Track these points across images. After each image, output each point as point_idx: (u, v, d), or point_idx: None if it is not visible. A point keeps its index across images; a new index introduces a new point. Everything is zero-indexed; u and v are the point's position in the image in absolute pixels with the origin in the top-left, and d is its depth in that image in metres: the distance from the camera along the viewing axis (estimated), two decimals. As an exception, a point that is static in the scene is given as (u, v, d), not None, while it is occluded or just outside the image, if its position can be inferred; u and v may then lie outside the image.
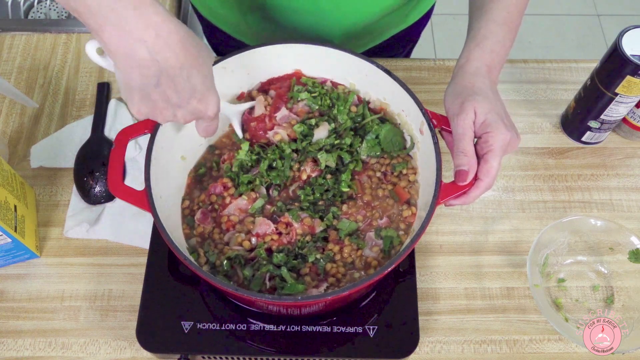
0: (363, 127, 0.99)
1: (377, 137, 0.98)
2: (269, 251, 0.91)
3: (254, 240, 0.91)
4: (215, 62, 0.94)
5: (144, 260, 0.99)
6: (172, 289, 0.96)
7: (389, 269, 0.79)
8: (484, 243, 1.06)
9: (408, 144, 0.98)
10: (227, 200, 0.94)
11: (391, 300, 0.96)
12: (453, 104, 0.88)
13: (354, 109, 1.00)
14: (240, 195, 0.95)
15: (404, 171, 0.96)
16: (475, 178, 0.84)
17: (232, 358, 0.92)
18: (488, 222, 1.08)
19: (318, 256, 0.90)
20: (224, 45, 1.38)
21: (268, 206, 0.94)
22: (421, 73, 1.25)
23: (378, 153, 0.98)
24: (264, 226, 0.91)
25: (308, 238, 0.91)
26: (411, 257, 0.99)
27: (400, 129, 0.99)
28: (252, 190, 0.95)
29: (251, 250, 0.91)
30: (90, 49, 0.72)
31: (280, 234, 0.92)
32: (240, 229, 0.93)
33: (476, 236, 1.07)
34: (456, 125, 0.86)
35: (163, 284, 0.96)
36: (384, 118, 1.00)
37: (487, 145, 0.84)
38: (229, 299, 0.95)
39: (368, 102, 1.02)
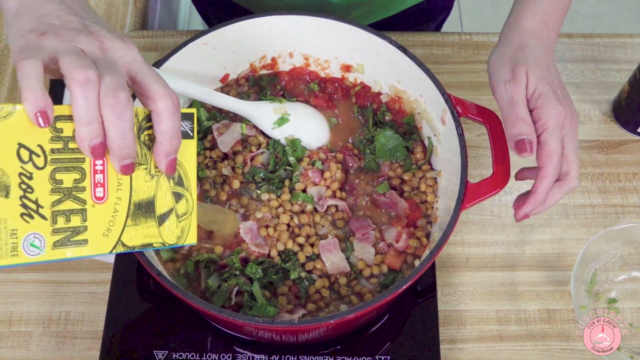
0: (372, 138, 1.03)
1: (372, 142, 1.01)
2: (245, 261, 0.93)
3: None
4: (193, 38, 0.97)
5: (108, 276, 1.00)
6: (143, 311, 0.97)
7: (404, 287, 0.81)
8: (520, 256, 1.07)
9: (418, 154, 1.01)
10: None
11: (407, 325, 0.98)
12: (501, 68, 0.87)
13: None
14: None
15: (422, 187, 0.99)
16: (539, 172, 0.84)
17: (215, 395, 0.93)
18: (524, 231, 1.09)
19: (303, 274, 0.92)
20: (211, 9, 1.41)
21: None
22: (444, 50, 1.26)
23: (373, 168, 1.01)
24: (247, 235, 0.94)
25: (296, 248, 0.94)
26: (431, 273, 1.00)
27: (418, 136, 1.02)
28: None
29: (223, 256, 0.93)
30: None
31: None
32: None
33: (510, 247, 1.08)
34: (505, 91, 0.86)
35: (131, 305, 0.97)
36: (392, 124, 1.04)
37: (540, 125, 0.84)
38: (211, 323, 0.97)
39: (379, 94, 1.05)
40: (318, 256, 0.94)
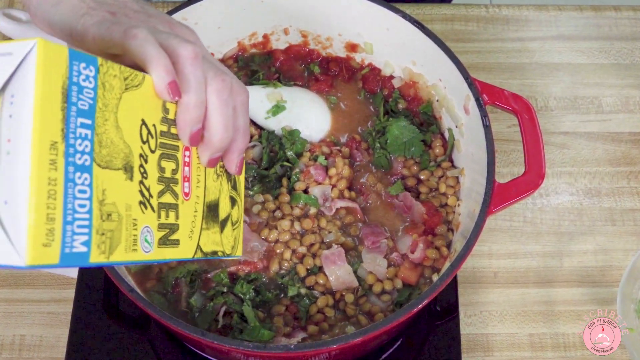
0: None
1: (383, 134, 0.98)
2: (233, 276, 0.89)
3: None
4: (171, 12, 0.93)
5: (70, 294, 0.97)
6: (111, 335, 0.94)
7: (420, 306, 0.77)
8: (557, 270, 1.03)
9: (439, 151, 0.97)
10: None
11: (424, 351, 0.95)
12: None
13: None
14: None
15: (442, 188, 0.95)
16: None
17: None
18: (563, 240, 1.05)
19: (302, 291, 0.88)
20: None
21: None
22: (467, 25, 1.23)
23: (384, 165, 0.98)
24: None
25: (295, 259, 0.90)
26: (453, 290, 0.97)
27: (437, 127, 0.99)
28: None
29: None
30: None
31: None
32: None
33: (546, 260, 1.04)
34: None
35: (97, 328, 0.94)
36: (407, 113, 1.00)
37: None
38: (193, 348, 0.93)
39: (391, 77, 1.02)
40: (320, 269, 0.90)
